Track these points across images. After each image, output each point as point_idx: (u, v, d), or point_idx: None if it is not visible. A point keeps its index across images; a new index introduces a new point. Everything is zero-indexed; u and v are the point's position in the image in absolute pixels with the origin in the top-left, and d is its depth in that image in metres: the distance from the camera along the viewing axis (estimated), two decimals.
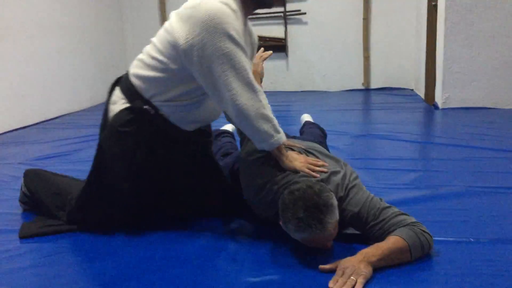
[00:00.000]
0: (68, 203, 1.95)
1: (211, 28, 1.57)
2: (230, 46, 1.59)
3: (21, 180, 2.19)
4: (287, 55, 6.18)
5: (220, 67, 1.60)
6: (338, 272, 1.47)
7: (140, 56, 1.81)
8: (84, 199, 1.89)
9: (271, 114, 1.71)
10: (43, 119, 4.74)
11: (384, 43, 5.91)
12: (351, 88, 6.08)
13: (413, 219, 1.63)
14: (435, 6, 4.60)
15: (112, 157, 1.82)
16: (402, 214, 1.64)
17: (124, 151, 1.80)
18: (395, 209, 1.66)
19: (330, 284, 1.44)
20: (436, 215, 1.95)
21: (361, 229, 1.69)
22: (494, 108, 4.22)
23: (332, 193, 1.60)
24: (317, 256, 1.62)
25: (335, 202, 1.56)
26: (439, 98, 4.36)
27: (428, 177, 2.47)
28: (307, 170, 1.71)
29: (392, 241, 1.53)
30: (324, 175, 1.71)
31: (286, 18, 6.04)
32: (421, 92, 5.16)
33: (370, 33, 5.92)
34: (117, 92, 1.85)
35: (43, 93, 4.75)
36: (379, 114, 4.43)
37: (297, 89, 6.25)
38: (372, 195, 1.70)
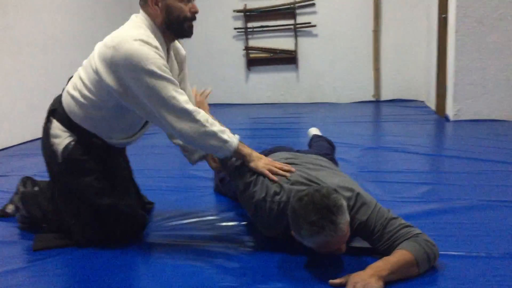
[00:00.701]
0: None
1: (132, 70, 1.70)
2: (153, 81, 1.70)
3: (15, 198, 2.20)
4: (297, 67, 6.20)
5: (152, 103, 1.74)
6: (349, 286, 1.46)
7: (71, 90, 1.93)
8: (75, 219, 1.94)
9: (213, 127, 1.79)
10: None
11: (395, 55, 5.92)
12: (361, 100, 6.08)
13: (418, 231, 1.63)
14: (445, 18, 4.61)
15: (78, 184, 1.90)
16: (408, 226, 1.65)
17: (86, 176, 1.91)
18: (402, 221, 1.66)
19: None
20: (447, 229, 1.94)
21: (368, 239, 1.69)
22: (506, 121, 4.20)
23: (339, 194, 1.60)
24: (327, 269, 1.62)
25: (344, 203, 1.57)
26: (450, 110, 4.34)
27: (439, 190, 2.46)
28: (266, 172, 1.79)
29: (399, 254, 1.54)
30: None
31: (296, 31, 6.07)
32: (432, 104, 5.15)
33: (380, 45, 5.93)
34: (56, 124, 1.94)
35: None
36: (390, 126, 4.42)
37: (307, 101, 6.27)
38: (379, 205, 1.71)
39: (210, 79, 6.43)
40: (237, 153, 1.83)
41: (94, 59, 1.81)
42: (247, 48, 6.24)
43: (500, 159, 2.98)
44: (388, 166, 3.02)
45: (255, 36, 6.25)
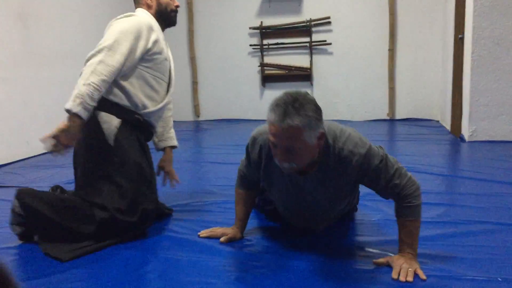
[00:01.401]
0: (95, 211, 2.07)
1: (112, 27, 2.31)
2: (107, 35, 2.22)
3: (14, 202, 2.10)
4: (312, 84, 6.23)
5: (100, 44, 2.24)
6: (396, 267, 1.72)
7: None
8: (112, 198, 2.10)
9: (84, 85, 2.09)
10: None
11: (410, 74, 5.93)
12: (375, 118, 6.08)
13: (412, 189, 1.77)
14: (462, 39, 4.61)
15: (128, 157, 2.15)
16: (409, 180, 1.79)
17: (133, 150, 2.19)
18: (403, 170, 1.80)
19: (394, 275, 1.70)
20: (463, 252, 1.92)
21: (376, 183, 1.80)
22: None
23: (314, 108, 1.63)
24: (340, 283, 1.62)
25: (312, 114, 1.60)
26: (465, 131, 4.33)
27: (455, 212, 2.43)
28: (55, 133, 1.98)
29: (415, 227, 1.79)
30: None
31: (311, 48, 6.12)
32: (447, 124, 5.13)
33: (395, 64, 5.94)
34: (103, 113, 2.17)
35: None
36: (404, 145, 4.41)
37: None
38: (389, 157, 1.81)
39: (225, 94, 6.49)
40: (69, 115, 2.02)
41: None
42: (262, 65, 6.29)
43: None
44: None
45: (270, 53, 6.31)
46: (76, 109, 1.99)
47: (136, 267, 1.88)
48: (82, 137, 2.09)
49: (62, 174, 3.53)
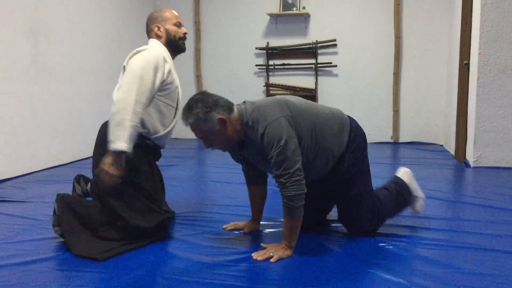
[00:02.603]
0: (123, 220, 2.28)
1: (135, 58, 2.38)
2: (131, 66, 2.31)
3: (54, 205, 2.33)
4: None
5: (124, 78, 2.29)
6: (261, 249, 2.16)
7: None
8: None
9: (127, 120, 2.15)
10: (78, 159, 4.87)
11: (414, 98, 5.96)
12: (379, 141, 6.09)
13: (290, 189, 2.03)
14: (467, 64, 4.65)
15: (135, 181, 2.35)
16: (290, 176, 2.03)
17: (140, 177, 2.38)
18: (290, 164, 2.03)
19: (253, 255, 2.10)
20: (468, 280, 1.91)
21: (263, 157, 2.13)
22: None
23: (201, 105, 2.11)
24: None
25: (199, 110, 2.09)
26: (470, 156, 4.33)
27: (459, 237, 2.42)
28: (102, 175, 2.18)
29: (288, 226, 2.11)
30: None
31: (317, 70, 6.16)
32: (451, 148, 5.14)
33: (400, 87, 5.98)
34: None
35: (78, 132, 4.91)
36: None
37: None
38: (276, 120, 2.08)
39: None
40: (112, 151, 2.16)
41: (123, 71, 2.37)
42: (268, 85, 6.33)
43: None
44: (406, 211, 2.99)
45: (276, 73, 6.35)
46: (127, 148, 2.17)
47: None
48: (97, 154, 2.44)
49: (66, 190, 3.50)
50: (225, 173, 4.12)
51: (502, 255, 2.18)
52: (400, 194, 2.52)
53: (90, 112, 5.10)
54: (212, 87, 6.55)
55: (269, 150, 2.06)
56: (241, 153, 2.29)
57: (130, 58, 2.38)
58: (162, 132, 2.48)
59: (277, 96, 2.27)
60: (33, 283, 1.90)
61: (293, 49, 6.22)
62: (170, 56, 2.54)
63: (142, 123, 2.34)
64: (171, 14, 2.60)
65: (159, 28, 2.55)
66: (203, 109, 2.11)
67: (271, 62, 6.32)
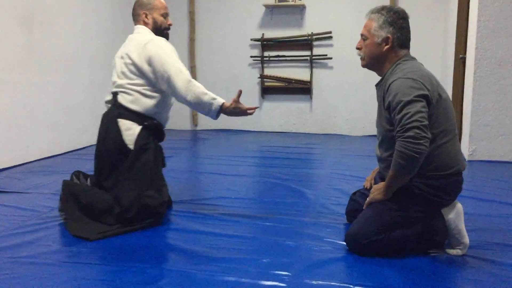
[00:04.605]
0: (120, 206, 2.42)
1: (161, 56, 2.49)
2: (167, 57, 2.49)
3: (60, 192, 2.52)
4: (311, 97, 6.26)
5: (171, 74, 2.46)
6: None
7: (130, 91, 2.53)
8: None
9: (207, 90, 2.51)
10: (72, 149, 4.83)
11: None
12: (373, 134, 6.11)
13: (406, 142, 1.92)
14: (463, 58, 4.67)
15: (146, 162, 2.50)
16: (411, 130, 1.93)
17: (152, 154, 2.54)
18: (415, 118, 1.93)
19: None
20: (470, 275, 1.92)
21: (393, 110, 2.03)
22: None
23: (395, 17, 2.15)
24: None
25: (385, 18, 2.15)
26: (465, 150, 4.36)
27: None
28: (246, 110, 2.60)
29: (390, 176, 2.05)
30: None
31: (312, 62, 6.15)
32: None
33: None
34: (124, 122, 2.50)
35: (73, 122, 4.86)
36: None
37: (319, 131, 6.30)
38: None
39: None
40: (224, 107, 2.53)
41: (134, 63, 2.51)
42: (262, 76, 6.30)
43: None
44: None
45: (271, 65, 6.33)
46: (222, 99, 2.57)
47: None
48: (105, 140, 2.52)
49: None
50: (221, 165, 4.11)
51: (498, 246, 2.21)
52: (427, 240, 2.15)
53: (85, 102, 5.05)
54: (206, 77, 6.52)
55: (391, 101, 2.03)
56: (376, 86, 2.31)
57: (143, 49, 2.51)
58: (168, 114, 2.73)
59: (435, 77, 2.18)
60: (38, 276, 1.88)
61: (288, 40, 6.19)
62: None
63: (150, 106, 2.54)
64: (160, 3, 2.69)
65: (146, 15, 2.65)
66: (391, 18, 2.14)
67: (266, 54, 6.29)
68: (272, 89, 6.38)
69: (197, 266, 1.98)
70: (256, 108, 2.65)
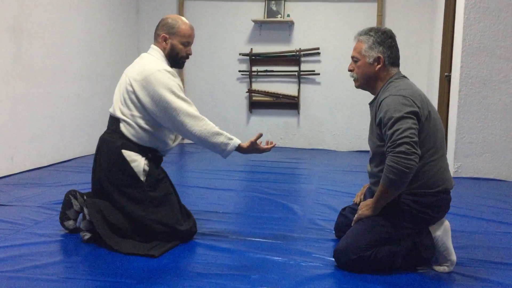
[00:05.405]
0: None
1: (160, 93, 2.35)
2: (173, 98, 2.35)
3: (84, 210, 2.42)
4: (298, 112, 6.30)
5: (174, 114, 2.35)
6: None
7: (131, 123, 2.43)
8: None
9: (220, 129, 2.42)
10: (57, 161, 4.78)
11: None
12: (359, 150, 6.16)
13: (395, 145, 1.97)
14: (448, 77, 4.75)
15: (161, 190, 2.49)
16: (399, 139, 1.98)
17: (164, 183, 2.55)
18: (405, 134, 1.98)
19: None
20: None
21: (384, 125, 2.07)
22: (505, 181, 4.27)
23: (383, 36, 2.23)
24: None
25: (375, 38, 2.22)
26: (451, 167, 4.41)
27: None
28: (266, 149, 2.46)
29: (379, 190, 2.06)
30: None
31: (300, 77, 6.20)
32: None
33: None
34: (129, 153, 2.42)
35: (58, 135, 4.81)
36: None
37: (306, 146, 6.33)
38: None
39: (211, 119, 6.34)
40: (240, 148, 2.42)
41: (135, 93, 2.40)
42: (250, 91, 6.33)
43: (503, 220, 3.01)
44: None
45: (259, 79, 6.37)
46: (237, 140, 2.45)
47: None
48: (110, 174, 2.42)
49: (48, 193, 3.45)
50: (209, 179, 4.10)
51: (482, 263, 2.23)
52: (415, 256, 2.16)
53: (71, 115, 5.01)
54: (195, 91, 6.53)
55: (382, 117, 2.07)
56: (369, 104, 2.33)
57: (146, 81, 2.38)
58: (171, 145, 2.62)
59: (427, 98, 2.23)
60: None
61: (277, 56, 6.24)
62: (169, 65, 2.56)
63: (156, 139, 2.49)
64: (185, 30, 2.51)
65: (166, 39, 2.50)
66: (380, 38, 2.21)
67: (254, 68, 6.33)
68: (260, 103, 6.40)
69: (184, 282, 1.97)
70: (274, 145, 2.51)
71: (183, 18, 2.56)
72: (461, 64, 4.27)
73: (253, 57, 6.28)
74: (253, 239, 2.54)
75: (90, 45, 5.37)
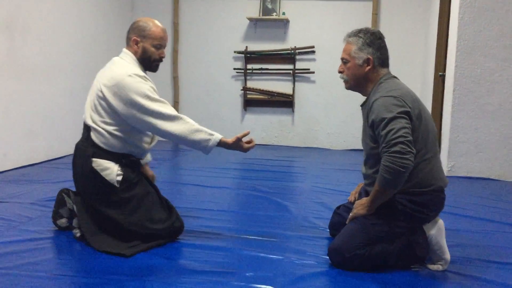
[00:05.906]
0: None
1: (131, 98, 2.28)
2: (147, 102, 2.29)
3: (74, 208, 2.43)
4: (293, 111, 6.29)
5: (148, 117, 2.30)
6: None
7: (101, 131, 2.35)
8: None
9: (199, 126, 2.37)
10: (50, 158, 4.75)
11: None
12: (353, 148, 6.17)
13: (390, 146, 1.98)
14: (442, 76, 4.76)
15: (136, 195, 2.41)
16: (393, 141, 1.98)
17: (140, 186, 2.46)
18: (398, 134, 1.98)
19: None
20: None
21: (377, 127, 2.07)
22: (498, 180, 4.29)
23: (372, 37, 2.22)
24: None
25: (364, 40, 2.20)
26: (444, 166, 4.43)
27: None
28: (249, 148, 2.47)
29: (375, 190, 2.07)
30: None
31: (294, 75, 6.20)
32: None
33: None
34: (100, 162, 2.34)
35: (51, 131, 4.79)
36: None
37: (300, 144, 6.33)
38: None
39: (206, 116, 6.46)
40: (222, 143, 2.40)
41: (106, 100, 2.32)
42: (245, 89, 6.32)
43: (496, 219, 3.03)
44: None
45: (253, 77, 6.36)
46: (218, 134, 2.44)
47: None
48: (86, 184, 2.38)
49: (41, 190, 3.43)
50: (203, 177, 4.09)
51: (475, 262, 2.24)
52: (409, 255, 2.17)
53: (64, 111, 4.98)
54: (189, 89, 6.51)
55: (374, 119, 2.07)
56: (361, 107, 2.33)
57: (116, 86, 2.30)
58: (147, 148, 2.55)
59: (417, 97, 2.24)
60: None
61: (272, 54, 6.23)
62: (142, 69, 2.50)
63: (128, 145, 2.41)
64: (156, 32, 2.47)
65: (137, 42, 2.45)
66: (369, 39, 2.20)
67: (249, 66, 6.32)
68: (254, 101, 6.40)
69: (178, 279, 1.96)
70: (253, 145, 2.51)
71: (155, 21, 2.50)
72: (456, 63, 4.28)
73: (248, 55, 6.27)
74: (247, 237, 2.54)
75: (84, 42, 5.34)
